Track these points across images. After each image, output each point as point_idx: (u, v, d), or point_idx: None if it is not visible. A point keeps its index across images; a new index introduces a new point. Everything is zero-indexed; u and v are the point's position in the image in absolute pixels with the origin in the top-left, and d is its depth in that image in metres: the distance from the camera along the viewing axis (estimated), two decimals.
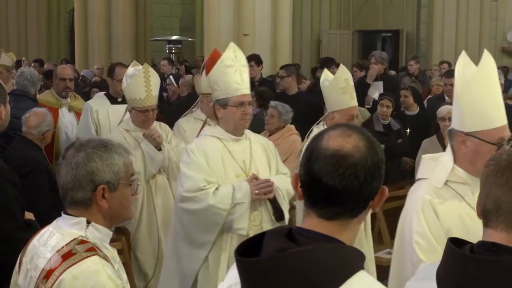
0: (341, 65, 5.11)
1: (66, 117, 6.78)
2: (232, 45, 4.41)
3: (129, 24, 14.73)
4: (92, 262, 2.26)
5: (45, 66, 14.54)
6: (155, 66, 13.09)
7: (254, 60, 9.33)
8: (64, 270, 2.25)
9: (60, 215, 2.46)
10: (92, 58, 14.56)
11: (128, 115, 5.53)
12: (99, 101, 6.64)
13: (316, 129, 4.98)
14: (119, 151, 2.42)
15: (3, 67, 7.81)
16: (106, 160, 2.36)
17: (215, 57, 4.45)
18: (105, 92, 6.91)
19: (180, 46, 15.19)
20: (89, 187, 2.34)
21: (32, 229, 3.32)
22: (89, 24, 14.72)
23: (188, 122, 6.11)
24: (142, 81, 5.23)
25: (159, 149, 5.32)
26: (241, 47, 11.16)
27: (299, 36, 18.77)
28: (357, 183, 1.69)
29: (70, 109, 6.83)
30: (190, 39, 17.49)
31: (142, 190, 5.22)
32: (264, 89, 7.88)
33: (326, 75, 5.05)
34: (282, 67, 8.89)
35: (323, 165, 1.70)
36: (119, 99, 6.41)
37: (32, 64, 14.71)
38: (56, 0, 20.79)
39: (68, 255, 2.28)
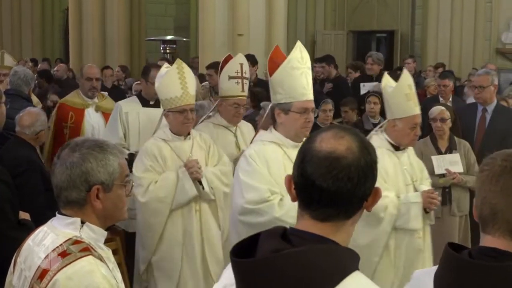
0: (405, 70, 4.77)
1: (92, 118, 6.59)
2: (299, 45, 4.06)
3: (124, 23, 14.71)
4: (87, 262, 2.26)
5: (39, 65, 14.52)
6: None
7: (249, 60, 9.32)
8: (59, 270, 2.24)
9: (54, 215, 2.46)
10: (86, 58, 14.51)
11: (163, 122, 5.03)
12: (130, 102, 6.19)
13: (375, 137, 4.67)
14: (114, 152, 2.42)
15: (8, 69, 7.62)
16: (101, 161, 2.36)
17: (276, 56, 4.11)
18: (137, 94, 6.42)
19: (174, 46, 15.17)
20: (83, 187, 2.34)
21: (27, 228, 3.32)
22: (83, 23, 14.69)
23: (207, 128, 5.52)
24: (176, 77, 4.77)
25: (199, 181, 4.76)
26: (235, 47, 11.23)
27: (294, 37, 18.75)
28: (350, 184, 1.69)
29: (97, 109, 6.62)
30: (184, 39, 17.47)
31: (165, 213, 4.78)
32: (258, 90, 7.87)
33: (387, 81, 4.70)
34: None
35: (316, 167, 1.71)
36: (152, 102, 6.01)
37: (27, 64, 14.71)
38: None
39: (62, 255, 2.28)
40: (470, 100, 8.25)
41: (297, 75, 3.91)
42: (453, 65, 15.14)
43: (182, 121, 4.79)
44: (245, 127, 5.74)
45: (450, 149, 6.11)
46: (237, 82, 5.45)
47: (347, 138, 1.73)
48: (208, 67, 9.02)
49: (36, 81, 11.41)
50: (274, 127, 4.06)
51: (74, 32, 14.89)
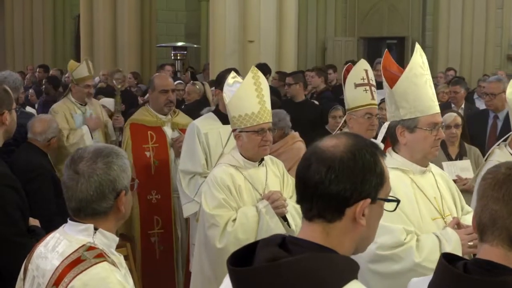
0: None
1: (171, 137, 5.67)
2: (418, 48, 3.45)
3: (135, 30, 14.76)
4: (102, 269, 2.27)
5: (50, 72, 14.57)
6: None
7: (263, 69, 9.36)
8: (74, 277, 2.25)
9: (64, 222, 2.47)
10: (97, 64, 14.56)
11: (231, 144, 4.35)
12: (207, 120, 5.15)
13: (498, 151, 4.28)
14: (124, 155, 2.46)
15: (89, 79, 6.99)
16: (121, 166, 2.39)
17: (389, 65, 3.54)
18: (213, 109, 5.44)
19: (185, 52, 15.19)
20: (112, 195, 2.37)
21: (36, 235, 3.32)
22: (94, 30, 14.76)
23: None
24: (252, 89, 3.98)
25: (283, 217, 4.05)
26: (246, 54, 11.22)
27: (304, 43, 18.79)
28: (318, 177, 1.71)
29: (174, 126, 5.69)
30: (195, 46, 17.51)
31: None
32: (272, 98, 7.73)
33: None
34: (289, 75, 8.89)
35: (302, 159, 1.79)
36: None
37: (38, 70, 14.78)
38: (62, 6, 20.83)
39: (77, 262, 2.29)
40: (482, 106, 8.22)
41: (422, 84, 3.34)
42: (464, 71, 15.11)
43: (259, 143, 3.99)
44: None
45: (460, 156, 6.09)
46: (366, 90, 4.71)
47: (343, 139, 1.76)
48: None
49: (44, 87, 11.45)
50: (393, 149, 3.40)
51: (85, 39, 14.96)
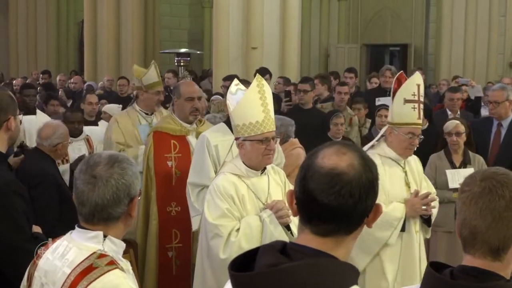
0: None
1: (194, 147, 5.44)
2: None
3: (138, 36, 14.81)
4: (115, 276, 2.28)
5: (58, 77, 14.57)
6: (162, 79, 13.05)
7: (268, 73, 9.36)
8: (88, 285, 2.25)
9: (66, 229, 2.48)
10: (100, 70, 14.63)
11: (232, 152, 4.33)
12: (218, 132, 5.01)
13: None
14: (134, 163, 2.48)
15: (155, 86, 6.26)
16: (135, 173, 2.42)
17: None
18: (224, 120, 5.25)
19: (188, 59, 15.21)
20: (126, 200, 2.38)
21: (40, 242, 3.33)
22: (98, 35, 14.81)
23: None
24: (257, 98, 3.92)
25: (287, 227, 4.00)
26: (249, 60, 11.16)
27: (307, 50, 18.83)
28: (352, 201, 1.71)
29: (199, 136, 5.37)
30: (198, 52, 17.56)
31: None
32: None
33: None
34: (302, 81, 8.67)
35: (318, 183, 1.73)
36: None
37: (41, 76, 14.79)
38: (66, 12, 20.89)
39: (89, 270, 2.29)
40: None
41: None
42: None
43: (263, 152, 3.94)
44: (413, 160, 4.78)
45: (464, 164, 6.10)
46: (414, 107, 4.48)
47: (349, 155, 1.75)
48: (225, 79, 8.99)
49: (39, 94, 11.41)
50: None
51: (89, 44, 15.02)
